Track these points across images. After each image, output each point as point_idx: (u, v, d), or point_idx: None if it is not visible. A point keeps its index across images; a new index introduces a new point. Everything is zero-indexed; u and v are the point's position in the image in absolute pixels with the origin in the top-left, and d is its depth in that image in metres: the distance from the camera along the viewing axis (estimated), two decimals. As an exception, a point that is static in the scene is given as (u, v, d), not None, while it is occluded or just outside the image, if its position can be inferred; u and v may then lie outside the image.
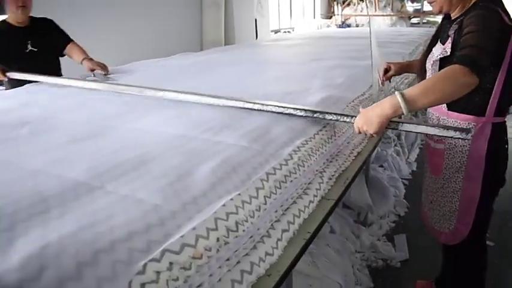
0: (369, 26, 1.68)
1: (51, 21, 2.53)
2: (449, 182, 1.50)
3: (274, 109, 1.34)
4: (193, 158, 1.04)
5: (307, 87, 1.77)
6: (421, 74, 1.55)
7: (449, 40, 1.34)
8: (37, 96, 1.92)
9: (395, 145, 3.33)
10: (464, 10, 1.36)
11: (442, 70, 1.16)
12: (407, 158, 3.41)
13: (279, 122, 1.31)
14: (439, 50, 1.40)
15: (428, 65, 1.49)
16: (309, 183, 1.14)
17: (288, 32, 7.35)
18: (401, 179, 3.05)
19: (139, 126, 1.35)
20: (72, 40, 2.55)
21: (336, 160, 1.32)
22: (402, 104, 1.07)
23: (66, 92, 1.96)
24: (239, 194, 0.88)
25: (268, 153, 1.09)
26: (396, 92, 1.10)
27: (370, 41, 1.55)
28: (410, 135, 3.54)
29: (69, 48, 2.51)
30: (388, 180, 2.86)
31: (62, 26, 2.57)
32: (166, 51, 3.34)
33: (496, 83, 1.32)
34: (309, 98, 1.57)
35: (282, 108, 1.33)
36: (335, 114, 1.28)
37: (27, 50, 2.37)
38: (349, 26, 8.22)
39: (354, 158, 1.43)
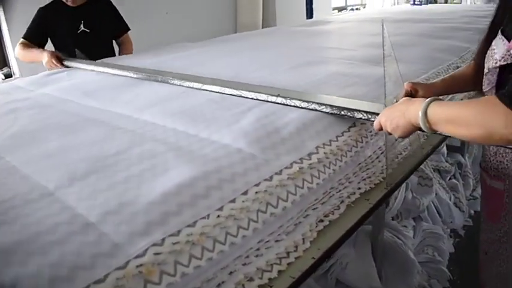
0: (382, 27, 1.14)
1: (108, 2, 2.46)
2: (509, 235, 1.11)
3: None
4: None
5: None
6: (478, 83, 1.07)
7: None
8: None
9: (450, 178, 2.36)
10: None
11: (485, 99, 0.77)
12: (471, 193, 2.43)
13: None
14: (502, 51, 0.92)
15: (485, 68, 1.02)
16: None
17: (357, 9, 6.30)
18: (452, 233, 2.13)
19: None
20: (129, 29, 2.52)
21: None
22: (422, 123, 0.80)
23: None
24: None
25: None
26: (423, 104, 0.80)
27: (383, 46, 1.10)
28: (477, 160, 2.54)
29: (123, 39, 2.52)
30: (423, 238, 1.97)
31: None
32: (194, 36, 3.11)
33: None
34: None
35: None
36: (365, 112, 1.04)
37: (79, 31, 2.31)
38: (435, 1, 6.82)
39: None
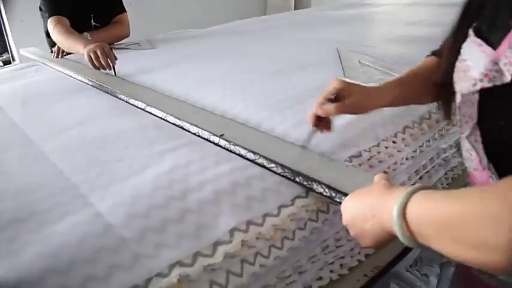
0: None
1: None
2: None
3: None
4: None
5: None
6: (445, 104, 0.69)
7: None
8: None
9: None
10: None
11: (500, 186, 0.36)
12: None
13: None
14: (482, 63, 0.54)
15: (457, 90, 0.61)
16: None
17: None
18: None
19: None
20: (124, 11, 2.06)
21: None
22: (402, 238, 0.45)
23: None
24: None
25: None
26: (401, 195, 0.44)
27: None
28: None
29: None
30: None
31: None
32: (216, 19, 2.70)
33: None
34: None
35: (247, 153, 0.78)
36: (328, 187, 0.66)
37: (91, 27, 1.95)
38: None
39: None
